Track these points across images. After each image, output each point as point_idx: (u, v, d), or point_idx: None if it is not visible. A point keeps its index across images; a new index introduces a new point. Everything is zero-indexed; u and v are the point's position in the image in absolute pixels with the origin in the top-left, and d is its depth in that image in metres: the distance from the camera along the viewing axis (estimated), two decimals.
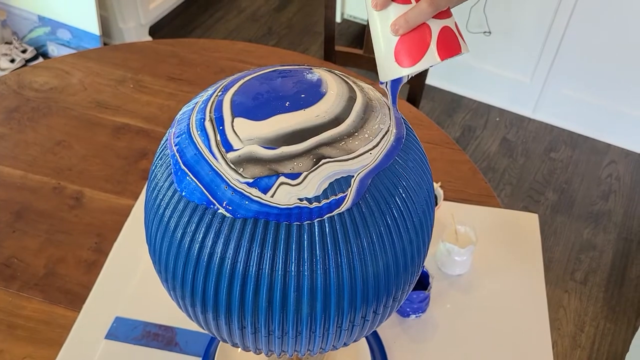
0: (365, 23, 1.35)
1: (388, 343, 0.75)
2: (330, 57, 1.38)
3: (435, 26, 0.44)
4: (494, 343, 0.76)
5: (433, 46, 0.44)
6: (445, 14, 0.45)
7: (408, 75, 0.48)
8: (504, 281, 0.82)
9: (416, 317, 0.77)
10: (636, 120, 1.90)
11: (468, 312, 0.79)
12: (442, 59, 0.44)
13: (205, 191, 0.41)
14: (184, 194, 0.42)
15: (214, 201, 0.40)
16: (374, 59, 1.46)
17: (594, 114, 1.94)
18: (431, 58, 0.44)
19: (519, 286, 0.82)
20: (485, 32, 1.94)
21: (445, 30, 0.45)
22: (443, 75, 2.08)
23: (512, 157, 1.90)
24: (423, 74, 1.31)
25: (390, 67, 0.45)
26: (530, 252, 0.86)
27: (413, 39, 0.44)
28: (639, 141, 1.94)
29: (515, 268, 0.84)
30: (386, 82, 0.48)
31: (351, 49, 1.38)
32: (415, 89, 1.34)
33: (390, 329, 0.76)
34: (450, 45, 0.45)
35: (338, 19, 2.34)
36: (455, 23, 0.46)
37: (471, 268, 0.84)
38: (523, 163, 1.88)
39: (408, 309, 0.76)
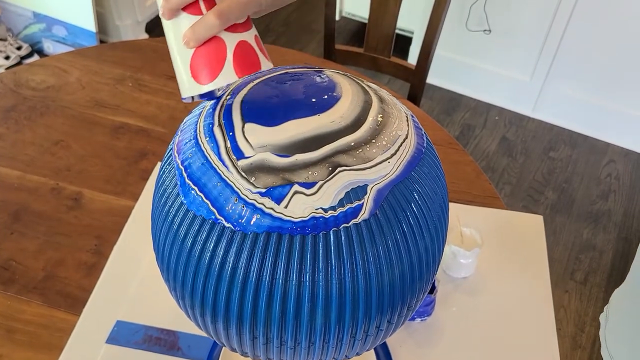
0: (365, 21, 1.34)
1: (394, 347, 0.74)
2: (331, 55, 1.37)
3: (231, 40, 0.41)
4: (500, 346, 0.75)
5: (229, 62, 0.41)
6: (242, 26, 0.42)
7: (218, 91, 0.45)
8: (510, 283, 0.82)
9: (422, 320, 0.77)
10: (636, 120, 1.90)
11: (474, 314, 0.78)
12: (240, 76, 0.42)
13: (212, 208, 0.40)
14: (190, 207, 0.40)
15: (221, 218, 0.39)
16: (375, 58, 1.45)
17: (594, 113, 1.94)
18: (228, 75, 0.41)
19: (524, 288, 0.81)
20: (485, 30, 1.93)
21: (242, 45, 0.42)
22: (442, 74, 2.07)
23: (512, 156, 1.90)
24: (423, 72, 1.30)
25: (189, 82, 0.42)
26: (536, 254, 0.86)
27: (208, 54, 0.41)
28: (638, 140, 1.94)
29: (520, 270, 0.83)
30: (192, 98, 0.44)
31: (351, 47, 1.37)
32: (416, 88, 1.33)
33: (395, 333, 0.75)
34: (248, 61, 0.42)
35: (336, 17, 2.32)
36: (256, 36, 0.44)
37: (476, 270, 0.83)
38: (522, 162, 1.88)
39: (414, 313, 0.75)
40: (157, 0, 0.42)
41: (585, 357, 1.43)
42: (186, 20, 0.41)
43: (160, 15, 0.41)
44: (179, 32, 0.41)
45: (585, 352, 1.44)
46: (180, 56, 0.42)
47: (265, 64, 0.43)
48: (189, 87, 0.42)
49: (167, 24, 0.42)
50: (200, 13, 0.41)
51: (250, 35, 0.43)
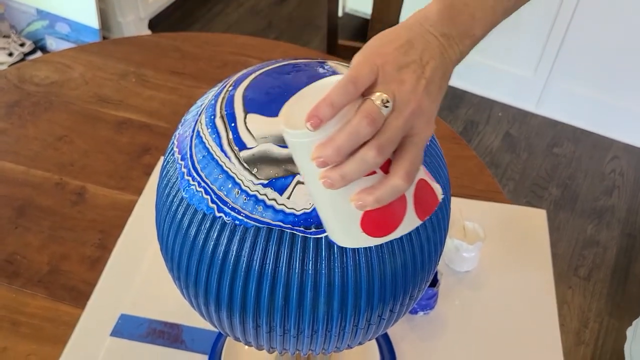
0: (368, 17, 1.34)
1: (396, 340, 0.74)
2: (333, 51, 1.37)
3: (410, 187, 0.35)
4: (503, 340, 0.75)
5: (410, 210, 0.36)
6: None
7: None
8: (512, 277, 0.82)
9: (424, 314, 0.77)
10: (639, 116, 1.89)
11: (476, 308, 0.78)
12: (423, 220, 0.36)
13: (211, 204, 0.40)
14: (191, 202, 0.41)
15: (221, 214, 0.39)
16: None
17: (598, 109, 1.93)
18: (410, 223, 0.36)
19: (527, 282, 0.81)
20: None
21: (420, 186, 0.36)
22: None
23: (515, 152, 1.89)
24: None
25: (356, 236, 0.36)
26: (538, 248, 0.86)
27: (384, 208, 0.35)
28: None
29: (523, 264, 0.83)
30: None
31: (354, 42, 1.37)
32: None
33: (398, 326, 0.75)
34: (427, 200, 0.36)
35: (339, 13, 2.32)
36: (422, 167, 0.37)
37: (479, 264, 0.83)
38: (526, 158, 1.88)
39: (416, 306, 0.76)
40: (304, 166, 0.34)
41: (588, 353, 1.43)
42: (357, 181, 0.34)
43: (325, 186, 0.33)
44: (346, 192, 0.34)
45: (589, 349, 1.44)
46: (346, 214, 0.35)
47: (439, 194, 0.38)
48: (356, 241, 0.36)
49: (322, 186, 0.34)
50: (374, 172, 0.34)
51: (422, 169, 0.37)
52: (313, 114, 0.32)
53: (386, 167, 0.34)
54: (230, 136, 0.41)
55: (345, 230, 0.36)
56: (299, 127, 0.33)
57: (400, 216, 0.35)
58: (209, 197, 0.40)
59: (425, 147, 0.35)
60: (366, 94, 0.34)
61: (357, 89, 0.33)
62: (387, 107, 0.33)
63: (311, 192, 0.36)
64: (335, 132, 0.32)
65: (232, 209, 0.39)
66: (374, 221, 0.35)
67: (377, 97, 0.33)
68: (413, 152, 0.34)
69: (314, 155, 0.32)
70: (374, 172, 0.34)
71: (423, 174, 0.37)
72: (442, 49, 0.36)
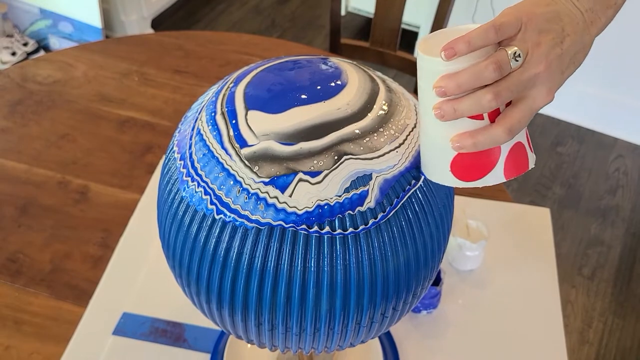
0: (371, 16, 1.34)
1: (399, 339, 0.74)
2: (336, 49, 1.37)
3: (507, 144, 0.37)
4: (506, 340, 0.75)
5: (499, 166, 0.37)
6: None
7: None
8: (516, 276, 0.81)
9: (427, 312, 0.76)
10: None
11: (480, 307, 0.78)
12: (507, 179, 0.38)
13: (210, 205, 0.39)
14: (191, 203, 0.40)
15: (220, 216, 0.39)
16: (381, 52, 1.43)
17: (601, 107, 1.92)
18: (494, 177, 0.37)
19: (531, 281, 0.81)
20: None
21: (516, 148, 0.37)
22: None
23: None
24: None
25: (443, 173, 0.38)
26: (542, 247, 0.85)
27: (478, 157, 0.37)
28: None
29: (527, 263, 0.83)
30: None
31: (357, 41, 1.37)
32: None
33: (401, 325, 0.75)
34: (518, 163, 0.37)
35: (342, 12, 2.32)
36: (526, 131, 0.39)
37: (482, 263, 0.82)
38: None
39: (419, 305, 0.75)
40: (425, 92, 0.36)
41: (592, 352, 1.42)
42: (462, 122, 0.36)
43: (436, 117, 0.35)
44: (450, 130, 0.36)
45: (593, 348, 1.43)
46: (441, 149, 0.37)
47: (532, 162, 0.39)
48: (442, 177, 0.39)
49: (432, 116, 0.36)
50: (481, 118, 0.36)
51: (523, 133, 0.38)
52: (449, 45, 0.34)
53: (493, 119, 0.36)
54: (231, 133, 0.41)
55: (435, 165, 0.38)
56: (433, 54, 0.35)
57: (488, 168, 0.37)
58: (208, 197, 0.39)
59: (532, 116, 0.36)
60: (503, 45, 0.35)
61: (497, 36, 0.35)
62: (517, 60, 0.35)
63: (420, 120, 0.39)
64: (462, 70, 0.34)
65: (232, 210, 0.39)
66: (463, 165, 0.37)
67: (511, 48, 0.35)
68: (523, 111, 0.35)
69: (436, 84, 0.35)
70: (482, 119, 0.36)
71: (524, 138, 0.38)
72: (585, 25, 0.38)
